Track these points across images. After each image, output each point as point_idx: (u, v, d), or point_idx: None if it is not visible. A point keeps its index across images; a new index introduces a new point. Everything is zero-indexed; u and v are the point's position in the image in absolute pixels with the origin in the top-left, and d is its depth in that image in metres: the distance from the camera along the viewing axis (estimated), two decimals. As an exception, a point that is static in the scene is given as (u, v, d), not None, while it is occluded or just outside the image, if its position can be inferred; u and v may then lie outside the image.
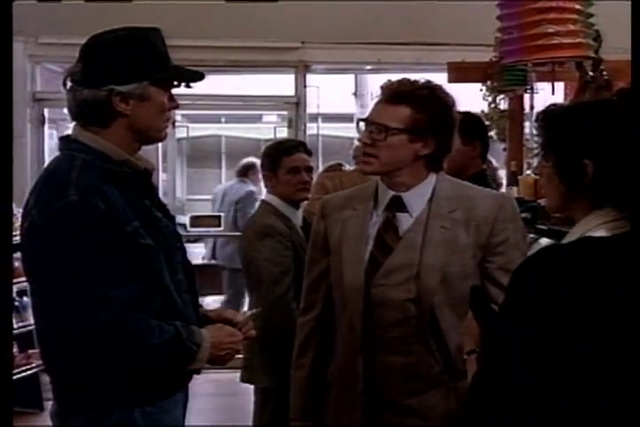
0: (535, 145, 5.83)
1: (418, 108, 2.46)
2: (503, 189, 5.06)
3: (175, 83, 2.42)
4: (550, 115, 1.89)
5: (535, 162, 5.48)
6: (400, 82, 2.51)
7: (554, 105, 1.92)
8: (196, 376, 2.46)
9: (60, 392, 2.38)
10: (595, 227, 1.74)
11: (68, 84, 2.35)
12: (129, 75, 2.31)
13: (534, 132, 5.62)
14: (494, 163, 5.79)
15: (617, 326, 1.62)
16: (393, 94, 2.49)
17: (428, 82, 2.52)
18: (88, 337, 2.19)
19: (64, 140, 2.40)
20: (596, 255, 1.67)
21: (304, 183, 3.87)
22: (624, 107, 1.77)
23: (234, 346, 2.41)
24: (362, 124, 2.54)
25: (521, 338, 1.66)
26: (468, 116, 3.97)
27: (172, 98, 2.41)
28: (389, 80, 2.54)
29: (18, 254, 2.35)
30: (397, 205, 2.54)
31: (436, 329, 2.47)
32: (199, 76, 2.46)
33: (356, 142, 5.90)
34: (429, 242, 2.48)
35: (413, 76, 2.56)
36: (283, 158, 3.86)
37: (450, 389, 2.47)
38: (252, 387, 3.88)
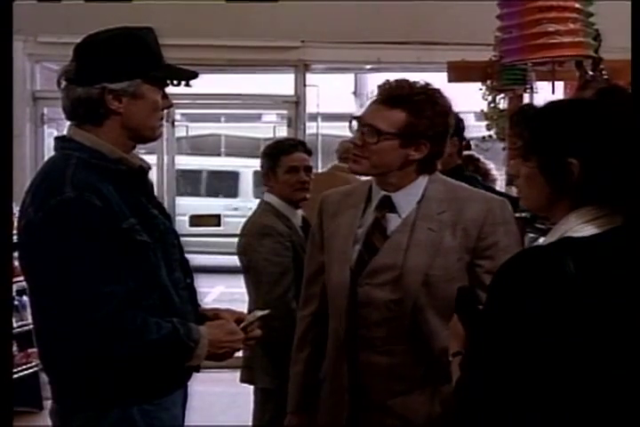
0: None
1: (413, 113, 2.44)
2: (500, 188, 5.07)
3: (174, 82, 2.43)
4: (530, 115, 1.88)
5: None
6: (398, 84, 2.49)
7: (527, 105, 1.91)
8: (195, 375, 2.47)
9: (58, 391, 2.38)
10: (575, 226, 1.73)
11: (63, 82, 2.36)
12: (121, 72, 2.31)
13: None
14: (490, 164, 5.79)
15: (597, 326, 1.62)
16: (389, 97, 2.47)
17: (427, 85, 2.50)
18: (85, 333, 2.20)
19: (59, 140, 2.41)
20: (576, 256, 1.66)
21: (302, 183, 3.85)
22: (606, 104, 1.77)
23: (233, 344, 2.41)
24: (354, 123, 2.53)
25: (500, 341, 1.66)
26: None
27: (165, 96, 2.41)
28: (387, 80, 2.52)
29: (17, 254, 2.35)
30: (387, 205, 2.54)
31: (420, 331, 2.46)
32: (193, 75, 2.47)
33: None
34: (414, 243, 2.47)
35: (413, 76, 2.55)
36: (281, 158, 3.84)
37: (434, 392, 2.46)
38: (252, 387, 3.87)
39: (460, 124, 4.15)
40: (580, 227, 1.73)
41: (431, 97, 2.48)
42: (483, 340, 1.71)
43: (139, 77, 2.33)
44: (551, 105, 1.88)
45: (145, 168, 2.44)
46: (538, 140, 1.81)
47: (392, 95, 2.47)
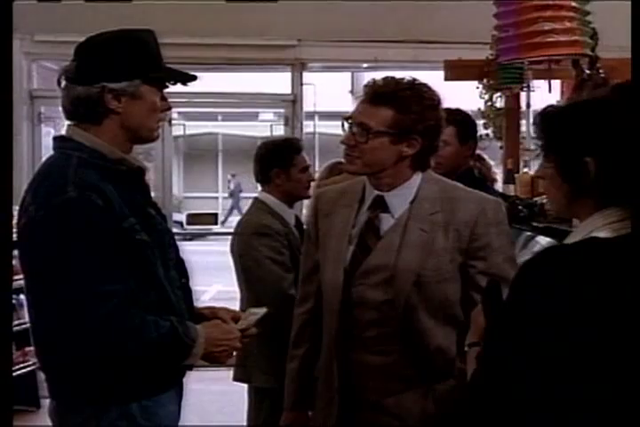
0: (533, 146, 5.83)
1: (400, 110, 2.43)
2: (499, 187, 5.07)
3: (169, 82, 2.44)
4: (548, 115, 1.87)
5: (531, 161, 5.49)
6: (384, 81, 2.49)
7: (551, 106, 1.89)
8: (191, 374, 2.47)
9: (57, 389, 2.39)
10: (600, 227, 1.72)
11: (63, 82, 2.37)
12: (121, 72, 2.33)
13: (531, 130, 5.63)
14: (490, 161, 5.80)
15: (619, 328, 1.61)
16: (375, 95, 2.47)
17: (413, 80, 2.49)
18: (85, 332, 2.20)
19: (58, 140, 2.42)
20: (602, 256, 1.65)
21: (311, 181, 3.97)
22: (620, 102, 1.76)
23: (230, 343, 2.42)
24: (346, 123, 2.51)
25: (520, 337, 1.65)
26: (464, 115, 4.00)
27: (164, 98, 2.42)
28: (373, 79, 2.51)
29: (14, 252, 2.35)
30: (380, 205, 2.54)
31: (412, 331, 2.46)
32: (191, 78, 2.48)
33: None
34: (406, 244, 2.47)
35: (410, 75, 2.54)
36: (295, 157, 3.89)
37: (428, 391, 2.47)
38: (244, 385, 3.87)
39: (475, 127, 4.18)
40: (605, 227, 1.71)
41: (417, 92, 2.47)
42: (502, 333, 1.70)
43: (138, 78, 2.34)
44: (567, 105, 1.87)
45: (143, 169, 2.45)
46: (554, 139, 1.80)
47: (378, 93, 2.47)
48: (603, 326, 1.61)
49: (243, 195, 22.04)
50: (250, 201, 4.12)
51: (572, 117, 1.79)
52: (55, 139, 2.43)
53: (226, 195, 22.61)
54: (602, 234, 1.70)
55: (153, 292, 2.33)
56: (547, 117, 1.85)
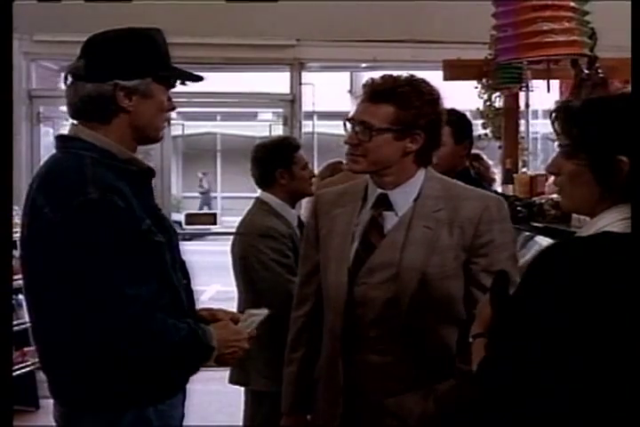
0: (541, 144, 5.84)
1: (401, 106, 2.44)
2: (498, 187, 5.08)
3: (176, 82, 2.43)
4: (575, 111, 1.82)
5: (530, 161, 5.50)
6: (382, 79, 2.49)
7: (569, 102, 1.85)
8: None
9: (68, 393, 2.33)
10: (614, 222, 1.72)
11: (69, 80, 2.33)
12: (133, 70, 2.31)
13: (530, 129, 5.64)
14: (489, 161, 5.81)
15: (629, 321, 1.61)
16: (375, 93, 2.47)
17: (411, 77, 2.50)
18: (110, 335, 2.16)
19: (63, 139, 2.37)
20: (617, 250, 1.65)
21: (312, 177, 3.98)
22: None
23: (239, 344, 2.40)
24: (348, 124, 2.52)
25: (532, 327, 1.65)
26: (459, 115, 4.01)
27: (169, 98, 2.41)
28: (371, 78, 2.52)
29: (15, 252, 2.33)
30: (384, 203, 2.54)
31: (415, 329, 2.46)
32: (198, 78, 2.48)
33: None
34: (410, 242, 2.47)
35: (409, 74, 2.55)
36: (295, 155, 3.89)
37: (429, 391, 2.47)
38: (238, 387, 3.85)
39: (470, 127, 4.19)
40: (619, 223, 1.71)
41: (416, 87, 2.47)
42: (512, 324, 1.69)
43: (149, 76, 2.32)
44: (598, 101, 1.85)
45: (153, 169, 2.43)
46: (587, 137, 1.77)
47: (377, 91, 2.47)
48: (615, 318, 1.61)
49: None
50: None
51: (606, 115, 1.76)
52: (58, 138, 2.38)
53: (223, 195, 22.61)
54: (615, 229, 1.70)
55: (167, 293, 2.30)
56: (576, 115, 1.82)
